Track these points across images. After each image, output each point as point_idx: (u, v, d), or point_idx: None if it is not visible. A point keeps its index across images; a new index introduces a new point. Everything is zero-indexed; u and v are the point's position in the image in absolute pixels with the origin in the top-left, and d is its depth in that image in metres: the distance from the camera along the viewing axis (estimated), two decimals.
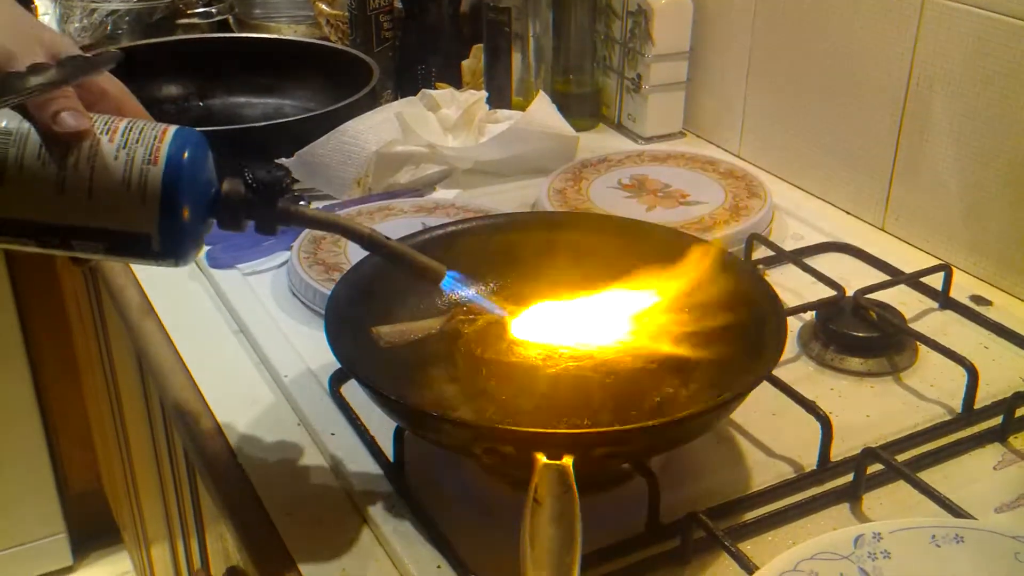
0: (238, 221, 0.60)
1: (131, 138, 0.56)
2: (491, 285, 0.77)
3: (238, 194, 0.60)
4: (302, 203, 0.62)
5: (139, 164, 0.56)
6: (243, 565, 0.78)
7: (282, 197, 0.60)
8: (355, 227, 0.62)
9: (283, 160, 1.04)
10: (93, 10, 1.44)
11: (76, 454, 1.87)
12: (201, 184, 0.58)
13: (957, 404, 0.75)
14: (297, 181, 0.62)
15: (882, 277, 0.90)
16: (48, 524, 1.89)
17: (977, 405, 0.75)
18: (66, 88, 0.56)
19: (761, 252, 0.95)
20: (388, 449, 0.68)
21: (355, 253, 0.89)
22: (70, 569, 1.95)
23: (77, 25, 1.43)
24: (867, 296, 0.84)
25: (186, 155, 0.57)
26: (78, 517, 1.92)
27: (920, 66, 0.95)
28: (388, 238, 0.63)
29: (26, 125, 0.56)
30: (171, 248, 0.57)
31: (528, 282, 0.75)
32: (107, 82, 0.61)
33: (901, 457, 0.69)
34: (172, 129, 0.58)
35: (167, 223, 0.56)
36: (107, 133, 0.56)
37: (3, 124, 0.56)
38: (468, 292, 0.66)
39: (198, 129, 0.60)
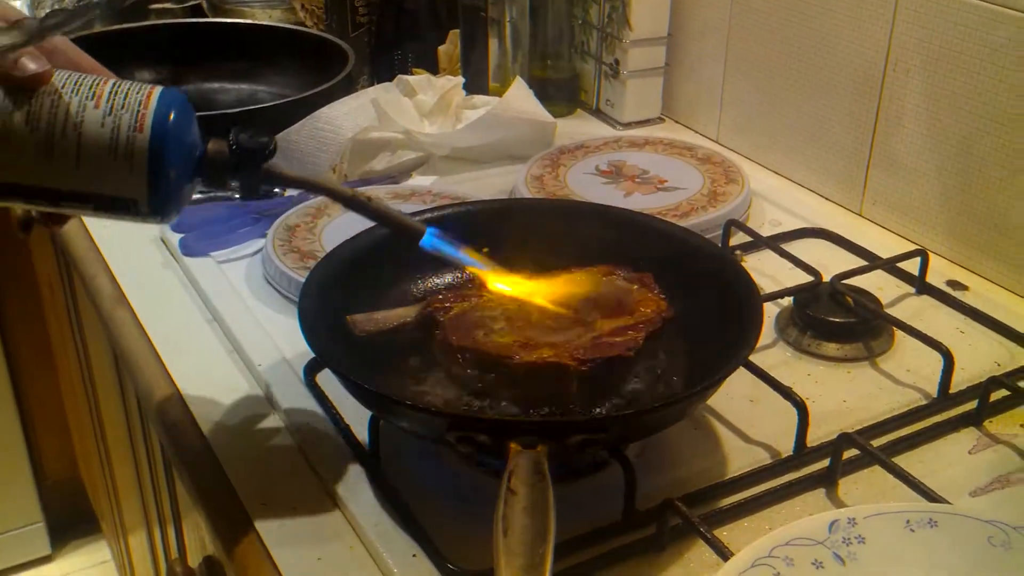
0: (223, 181, 0.61)
1: (116, 103, 0.57)
2: (452, 278, 0.78)
3: (223, 156, 0.60)
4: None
5: (125, 131, 0.56)
6: (217, 553, 0.78)
7: (266, 160, 0.61)
8: (337, 188, 0.64)
9: None
10: None
11: (53, 443, 1.86)
12: (186, 147, 0.59)
13: (933, 389, 0.75)
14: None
15: (859, 262, 0.90)
16: (25, 513, 1.88)
17: (953, 390, 0.75)
18: None
19: (739, 238, 0.95)
20: (363, 438, 0.68)
21: (329, 241, 0.88)
22: (48, 558, 1.95)
23: (49, 11, 1.42)
24: (844, 281, 0.84)
25: (171, 119, 0.57)
26: (56, 506, 1.92)
27: (897, 52, 0.95)
28: (370, 197, 0.64)
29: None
30: (157, 208, 0.58)
31: (502, 268, 0.74)
32: (57, 39, 0.61)
33: (877, 442, 0.69)
34: (156, 93, 0.58)
35: (154, 187, 0.57)
36: (92, 99, 0.56)
37: None
38: (449, 248, 0.66)
39: None
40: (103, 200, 0.58)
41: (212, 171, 0.60)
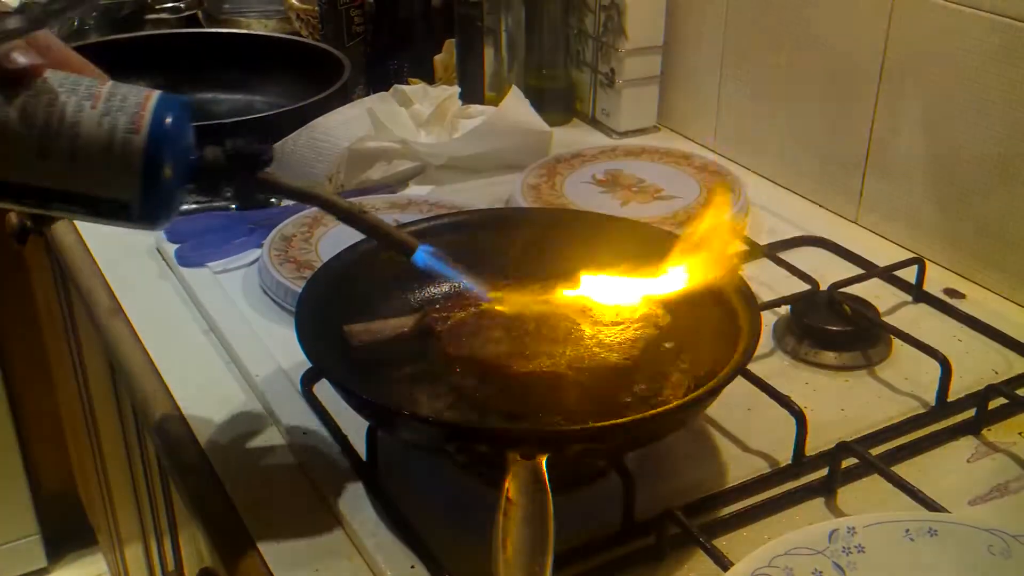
0: (218, 188, 0.61)
1: (113, 105, 0.56)
2: (449, 287, 0.77)
3: (218, 162, 0.60)
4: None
5: (121, 132, 0.56)
6: (215, 566, 0.77)
7: (262, 168, 0.61)
8: (332, 199, 0.63)
9: None
10: None
11: (49, 455, 1.85)
12: (182, 152, 0.58)
13: (931, 397, 0.75)
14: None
15: (856, 271, 0.90)
16: (21, 526, 1.87)
17: (951, 398, 0.75)
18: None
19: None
20: (361, 448, 0.68)
21: (326, 251, 0.88)
22: (45, 571, 1.94)
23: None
24: (841, 290, 0.84)
25: (168, 123, 0.57)
26: (52, 518, 1.91)
27: (892, 60, 0.95)
28: (364, 210, 0.64)
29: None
30: (149, 213, 0.58)
31: (500, 276, 0.74)
32: (48, 38, 0.60)
33: (875, 451, 0.69)
34: (155, 96, 0.58)
35: (147, 191, 0.57)
36: (90, 99, 0.56)
37: None
38: (441, 266, 0.65)
39: None
40: (95, 202, 0.57)
41: (207, 177, 0.60)
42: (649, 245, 0.76)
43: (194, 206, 0.97)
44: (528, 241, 0.78)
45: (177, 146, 0.58)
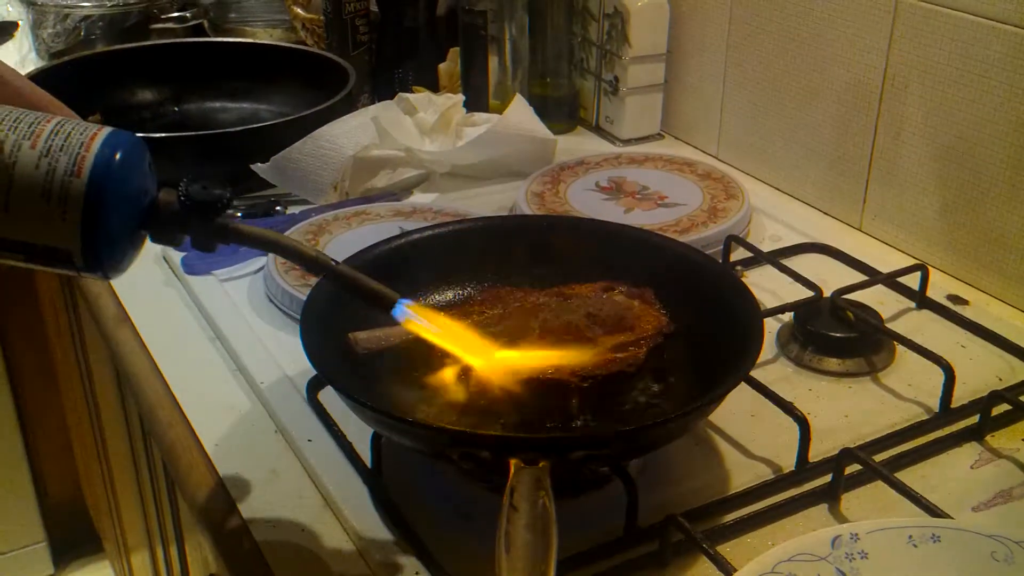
0: (172, 236, 0.56)
1: (55, 144, 0.51)
2: (454, 295, 0.77)
3: (171, 208, 0.55)
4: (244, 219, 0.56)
5: (60, 176, 0.51)
6: (221, 573, 0.77)
7: (220, 215, 0.55)
8: (299, 248, 0.58)
9: (258, 166, 1.04)
10: (66, 15, 1.43)
11: (56, 463, 1.86)
12: (131, 197, 0.53)
13: (934, 403, 0.75)
14: (238, 201, 0.56)
15: (859, 277, 0.91)
16: (28, 533, 1.88)
17: (954, 404, 0.75)
18: None
19: (739, 253, 0.95)
20: (366, 455, 0.68)
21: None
22: None
23: (51, 31, 1.42)
24: (844, 296, 0.84)
25: (114, 165, 0.52)
26: (59, 526, 1.91)
27: (895, 66, 0.95)
28: (336, 261, 0.59)
29: None
30: (94, 264, 0.53)
31: (504, 284, 0.75)
32: (3, 69, 0.56)
33: (879, 457, 0.69)
34: (102, 134, 0.53)
35: (89, 240, 0.52)
36: (30, 138, 0.51)
37: None
38: (420, 321, 0.61)
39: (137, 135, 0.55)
40: (34, 250, 0.52)
41: (159, 224, 0.55)
42: (651, 252, 0.77)
43: None
44: (532, 248, 0.78)
45: (124, 190, 0.53)
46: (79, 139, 0.52)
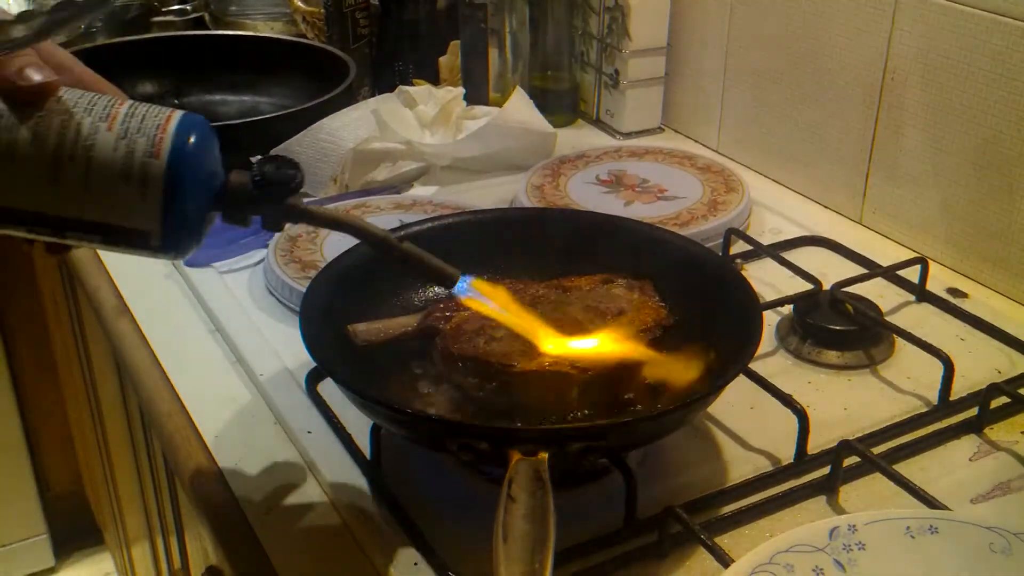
0: (244, 216, 0.57)
1: (132, 126, 0.52)
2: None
3: (244, 190, 0.56)
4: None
5: (140, 157, 0.52)
6: (221, 564, 0.78)
7: (293, 194, 0.56)
8: (368, 228, 0.59)
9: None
10: None
11: (56, 455, 1.86)
12: (205, 178, 0.54)
13: (933, 396, 0.75)
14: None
15: (859, 270, 0.91)
16: (29, 525, 1.88)
17: (953, 397, 0.75)
18: (28, 50, 0.52)
19: (739, 246, 0.95)
20: (365, 447, 0.68)
21: (331, 251, 0.88)
22: (52, 570, 1.95)
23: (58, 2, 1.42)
24: (844, 289, 0.84)
25: (190, 147, 0.53)
26: (59, 518, 1.92)
27: (895, 59, 0.95)
28: (402, 239, 0.60)
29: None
30: (171, 244, 0.54)
31: (503, 276, 0.75)
32: (63, 55, 0.57)
33: (877, 449, 0.69)
34: (176, 117, 0.53)
35: (168, 220, 0.53)
36: (106, 120, 0.52)
37: None
38: (482, 299, 0.62)
39: None
40: (112, 231, 0.53)
41: (233, 204, 0.56)
42: (651, 244, 0.77)
43: None
44: (532, 241, 0.78)
45: (200, 171, 0.54)
46: (155, 121, 0.53)
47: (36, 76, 0.51)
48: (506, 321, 0.64)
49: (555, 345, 0.65)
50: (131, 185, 0.52)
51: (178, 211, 0.53)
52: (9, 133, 0.51)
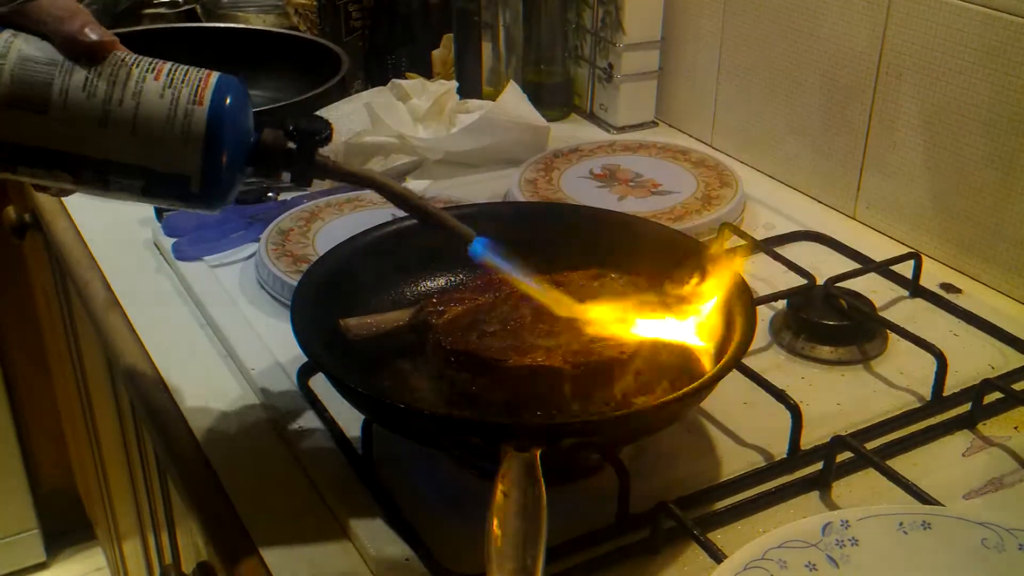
0: (275, 169, 0.61)
1: (176, 78, 0.57)
2: (445, 281, 0.78)
3: (279, 144, 0.60)
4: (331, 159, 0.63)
5: (184, 104, 0.56)
6: (212, 560, 0.77)
7: (324, 144, 0.61)
8: (389, 184, 0.63)
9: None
10: None
11: (48, 449, 1.85)
12: (242, 131, 0.59)
13: (926, 391, 0.75)
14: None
15: (853, 265, 0.90)
16: (20, 520, 1.88)
17: (946, 392, 0.75)
18: (86, 10, 0.58)
19: (733, 241, 0.95)
20: (357, 442, 0.68)
21: (323, 245, 0.88)
22: (44, 565, 1.94)
23: None
24: (838, 284, 0.84)
25: (229, 100, 0.57)
26: (51, 513, 1.91)
27: (889, 55, 0.95)
28: (421, 197, 0.64)
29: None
30: (208, 191, 0.58)
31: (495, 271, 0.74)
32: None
33: (871, 445, 0.69)
34: (215, 74, 0.58)
35: (208, 165, 0.57)
36: (152, 71, 0.57)
37: (46, 55, 0.55)
38: (497, 259, 0.64)
39: None
40: (154, 176, 0.57)
41: (266, 159, 0.60)
42: (644, 239, 0.77)
43: None
44: (524, 235, 0.78)
45: (237, 124, 0.58)
46: (197, 76, 0.58)
47: (93, 35, 0.56)
48: (521, 285, 0.65)
49: (571, 311, 0.66)
50: (175, 129, 0.56)
51: (217, 157, 0.57)
52: (64, 81, 0.55)
